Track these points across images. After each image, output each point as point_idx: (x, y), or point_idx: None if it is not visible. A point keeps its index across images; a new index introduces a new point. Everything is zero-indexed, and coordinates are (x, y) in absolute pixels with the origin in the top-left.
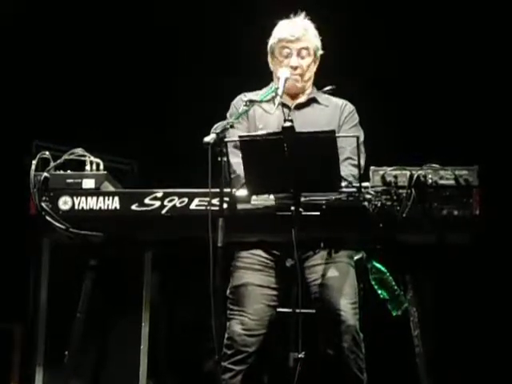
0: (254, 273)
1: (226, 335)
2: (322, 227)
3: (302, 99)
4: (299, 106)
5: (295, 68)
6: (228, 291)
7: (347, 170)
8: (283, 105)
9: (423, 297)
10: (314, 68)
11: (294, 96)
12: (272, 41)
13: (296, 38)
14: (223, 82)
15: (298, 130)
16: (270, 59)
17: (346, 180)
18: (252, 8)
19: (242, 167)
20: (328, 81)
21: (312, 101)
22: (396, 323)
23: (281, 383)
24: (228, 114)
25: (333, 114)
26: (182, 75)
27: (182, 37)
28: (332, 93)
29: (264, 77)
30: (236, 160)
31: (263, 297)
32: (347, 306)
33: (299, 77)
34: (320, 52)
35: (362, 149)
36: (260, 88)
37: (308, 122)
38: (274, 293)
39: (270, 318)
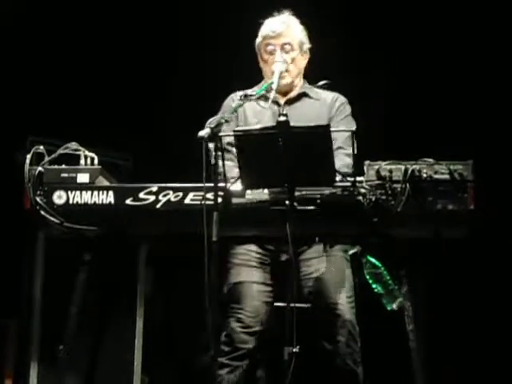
0: (250, 270)
1: (224, 332)
2: (317, 221)
3: (292, 94)
4: (290, 101)
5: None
6: (225, 288)
7: (340, 160)
8: (275, 102)
9: (418, 291)
10: (301, 62)
11: (284, 93)
12: (257, 41)
13: (277, 34)
14: (220, 77)
15: (293, 125)
16: (259, 59)
17: (339, 173)
18: (251, 7)
19: (234, 169)
20: (324, 76)
21: (302, 95)
22: (391, 318)
23: (276, 378)
24: (220, 112)
25: (323, 107)
26: (179, 70)
27: (180, 32)
28: (327, 87)
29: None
30: (226, 162)
31: (260, 294)
32: (343, 299)
33: (286, 72)
34: (307, 46)
35: (354, 139)
36: (251, 86)
37: (298, 116)
38: (270, 289)
39: (266, 315)
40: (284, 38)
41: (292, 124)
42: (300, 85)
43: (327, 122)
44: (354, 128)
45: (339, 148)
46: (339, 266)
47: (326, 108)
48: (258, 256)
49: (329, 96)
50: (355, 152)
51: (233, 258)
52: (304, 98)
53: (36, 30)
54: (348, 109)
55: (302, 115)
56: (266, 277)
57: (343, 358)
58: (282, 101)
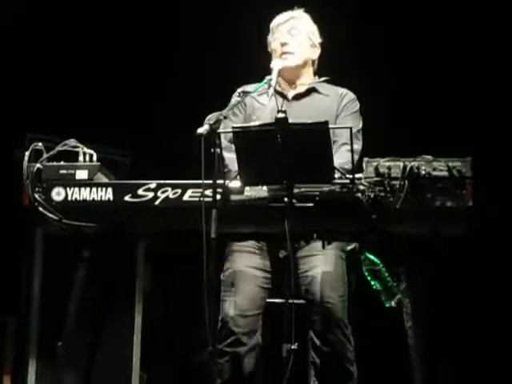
0: (248, 255)
1: (220, 318)
2: (315, 218)
3: (301, 89)
4: (297, 97)
5: (284, 44)
6: (222, 274)
7: (345, 156)
8: (281, 95)
9: (416, 288)
10: (311, 52)
11: (292, 83)
12: (268, 36)
13: (285, 20)
14: (220, 75)
15: (295, 120)
16: (271, 53)
17: (339, 171)
18: (251, 7)
19: (235, 163)
20: (327, 72)
21: (312, 91)
22: (389, 314)
23: (273, 374)
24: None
25: (332, 103)
26: (179, 69)
27: (180, 31)
28: (336, 83)
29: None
30: (229, 155)
31: (256, 278)
32: (335, 298)
33: (291, 55)
34: (317, 39)
35: (360, 136)
36: (259, 81)
37: (306, 112)
38: (267, 275)
39: (264, 300)
40: (292, 24)
41: (297, 120)
42: (310, 79)
43: (334, 118)
44: (360, 125)
45: (345, 144)
46: (334, 265)
47: (335, 103)
48: (256, 243)
49: (338, 91)
50: (357, 146)
51: (230, 245)
52: (313, 93)
53: (35, 28)
54: (356, 105)
55: (310, 111)
56: (265, 263)
57: (337, 357)
58: (290, 95)
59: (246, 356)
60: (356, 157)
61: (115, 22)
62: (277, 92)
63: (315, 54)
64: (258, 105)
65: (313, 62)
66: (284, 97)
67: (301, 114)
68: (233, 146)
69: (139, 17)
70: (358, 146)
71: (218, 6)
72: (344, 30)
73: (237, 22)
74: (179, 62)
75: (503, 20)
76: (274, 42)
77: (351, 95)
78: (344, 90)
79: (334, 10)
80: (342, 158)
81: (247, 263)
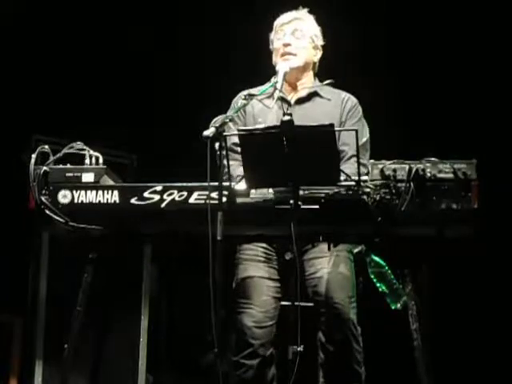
0: (258, 264)
1: (236, 329)
2: (321, 221)
3: (302, 93)
4: (299, 101)
5: (287, 45)
6: (233, 284)
7: (354, 168)
8: (283, 100)
9: (422, 290)
10: (313, 55)
11: (294, 87)
12: (271, 34)
13: (289, 20)
14: (223, 76)
15: (297, 124)
16: (272, 52)
17: (344, 173)
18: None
19: (236, 169)
20: (329, 75)
21: (313, 95)
22: (395, 317)
23: (283, 376)
24: (229, 111)
25: (334, 108)
26: (183, 69)
27: (182, 31)
28: (337, 86)
29: (263, 76)
30: (232, 162)
31: (268, 289)
32: (344, 299)
33: (293, 56)
34: (320, 41)
35: (367, 146)
36: (262, 83)
37: (308, 116)
38: (278, 284)
39: (276, 310)
40: (296, 25)
41: (299, 123)
42: (310, 82)
43: (338, 123)
44: (367, 134)
45: (354, 156)
46: (342, 266)
47: (338, 109)
48: (265, 251)
49: (340, 96)
50: (365, 159)
51: (240, 253)
52: (315, 97)
53: (40, 30)
54: (359, 111)
55: (312, 116)
56: (274, 272)
57: (345, 358)
58: (292, 99)
59: (260, 368)
60: (364, 170)
61: (119, 24)
62: (278, 97)
63: (317, 56)
64: (263, 108)
65: (314, 64)
66: (286, 101)
67: (303, 118)
68: (232, 153)
69: (142, 20)
70: (365, 160)
71: (219, 6)
72: (347, 31)
73: (238, 22)
74: (183, 63)
75: (508, 24)
76: (277, 41)
77: (353, 100)
78: (346, 95)
79: (338, 11)
80: (350, 169)
81: (258, 273)
